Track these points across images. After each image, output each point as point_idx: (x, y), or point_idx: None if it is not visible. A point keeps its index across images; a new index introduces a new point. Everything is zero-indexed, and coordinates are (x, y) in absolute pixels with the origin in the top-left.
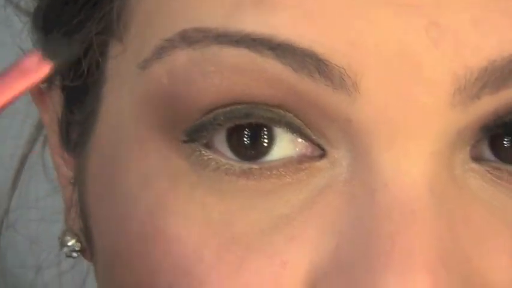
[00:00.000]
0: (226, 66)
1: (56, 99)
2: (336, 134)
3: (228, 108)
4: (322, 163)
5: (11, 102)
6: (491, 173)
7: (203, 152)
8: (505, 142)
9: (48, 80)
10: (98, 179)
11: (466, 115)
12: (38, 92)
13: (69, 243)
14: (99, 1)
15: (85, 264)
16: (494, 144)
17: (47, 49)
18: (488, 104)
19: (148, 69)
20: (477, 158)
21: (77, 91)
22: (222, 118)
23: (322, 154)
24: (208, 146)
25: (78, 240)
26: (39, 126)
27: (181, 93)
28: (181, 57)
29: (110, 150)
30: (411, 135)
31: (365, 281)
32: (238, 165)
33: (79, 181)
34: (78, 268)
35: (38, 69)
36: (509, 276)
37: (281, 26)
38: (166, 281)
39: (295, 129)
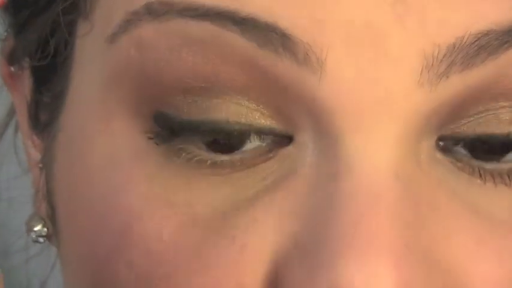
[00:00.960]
0: (193, 39)
1: (26, 81)
2: (301, 116)
3: (192, 118)
4: (289, 148)
5: None
6: (453, 164)
7: (173, 142)
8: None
9: (18, 62)
10: (64, 160)
11: (435, 95)
12: (9, 75)
13: (36, 228)
14: None
15: (53, 250)
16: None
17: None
18: (457, 84)
19: (116, 43)
20: (445, 149)
21: (45, 72)
22: (189, 130)
23: (290, 142)
24: (178, 135)
25: (45, 226)
26: (12, 111)
27: (150, 66)
28: (148, 30)
29: (76, 130)
30: (377, 116)
31: (326, 265)
32: (209, 156)
33: (46, 164)
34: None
35: None
36: (475, 263)
37: (246, 0)
38: (126, 259)
39: (264, 134)
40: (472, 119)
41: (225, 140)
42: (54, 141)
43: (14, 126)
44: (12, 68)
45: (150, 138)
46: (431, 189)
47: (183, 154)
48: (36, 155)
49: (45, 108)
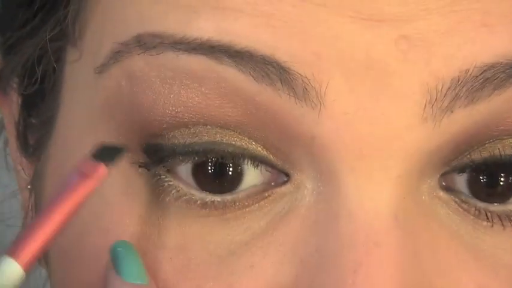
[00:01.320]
0: (184, 72)
1: (14, 101)
2: (299, 155)
3: (187, 141)
4: (286, 188)
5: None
6: (458, 204)
7: (163, 176)
8: (481, 179)
9: (6, 82)
10: (53, 187)
11: (438, 132)
12: (1, 94)
13: None
14: (54, 6)
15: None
16: (471, 181)
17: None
18: (462, 120)
19: (105, 72)
20: (447, 188)
21: (33, 96)
22: (180, 151)
23: (287, 180)
24: (169, 171)
25: None
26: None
27: (141, 98)
28: (139, 61)
29: (65, 161)
30: (378, 154)
31: None
32: (200, 196)
33: (36, 187)
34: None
35: (95, 173)
36: None
37: (241, 32)
38: None
39: (258, 161)
40: (474, 150)
41: (217, 166)
42: (45, 167)
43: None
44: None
45: (140, 166)
46: (431, 233)
47: (173, 191)
48: (26, 177)
49: (33, 131)
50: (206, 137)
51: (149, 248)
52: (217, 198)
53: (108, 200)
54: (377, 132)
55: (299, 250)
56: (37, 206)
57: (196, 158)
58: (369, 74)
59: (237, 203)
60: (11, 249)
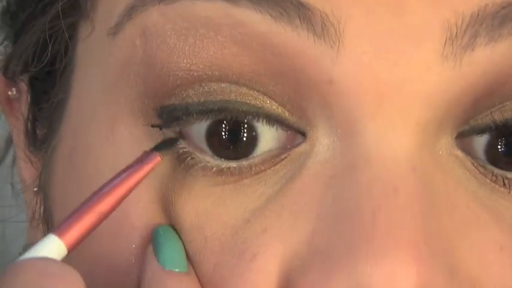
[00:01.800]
0: (200, 21)
1: (23, 98)
2: (315, 108)
3: (201, 99)
4: (301, 147)
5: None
6: (475, 167)
7: (178, 143)
8: (499, 146)
9: (13, 74)
10: (64, 170)
11: (459, 74)
12: (6, 100)
13: None
14: None
15: None
16: (489, 148)
17: None
18: (482, 61)
19: (120, 33)
20: (465, 150)
21: (43, 81)
22: (194, 109)
23: (303, 140)
24: (184, 137)
25: None
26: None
27: (153, 56)
28: (153, 15)
29: (78, 138)
30: (398, 97)
31: (342, 264)
32: (215, 163)
33: (44, 180)
34: None
35: (150, 161)
36: (497, 273)
37: None
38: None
39: (273, 120)
40: (495, 108)
41: (231, 131)
42: (53, 154)
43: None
44: (10, 93)
45: (152, 126)
46: (449, 188)
47: (188, 158)
48: (32, 175)
49: (43, 122)
50: (220, 96)
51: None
52: (233, 164)
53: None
54: (397, 73)
55: (314, 206)
56: (45, 201)
57: (210, 117)
58: (388, 11)
59: (253, 168)
60: (58, 227)
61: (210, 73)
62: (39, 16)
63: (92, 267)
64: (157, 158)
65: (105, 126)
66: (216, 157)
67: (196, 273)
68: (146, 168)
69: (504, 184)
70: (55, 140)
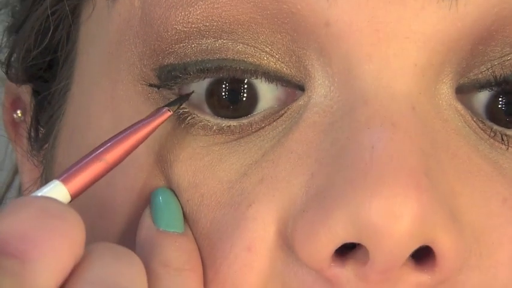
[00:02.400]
0: None
1: (27, 109)
2: (312, 57)
3: (198, 58)
4: (300, 101)
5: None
6: (475, 121)
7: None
8: (499, 104)
9: (15, 71)
10: (66, 150)
11: (454, 14)
12: (11, 123)
13: None
14: None
15: None
16: (489, 105)
17: None
18: (479, 1)
19: None
20: (465, 102)
21: (46, 80)
22: (191, 68)
23: (301, 93)
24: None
25: None
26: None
27: (153, 11)
28: None
29: (79, 117)
30: (394, 37)
31: (341, 199)
32: (215, 122)
33: (46, 174)
34: None
35: (161, 116)
36: (500, 225)
37: None
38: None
39: (272, 77)
40: (496, 62)
41: (231, 86)
42: (55, 141)
43: None
44: (14, 115)
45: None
46: (450, 136)
47: (188, 118)
48: (34, 177)
49: (45, 121)
50: (218, 55)
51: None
52: (234, 122)
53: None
54: (393, 12)
55: (313, 152)
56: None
57: (208, 75)
58: None
59: (254, 126)
60: (63, 173)
61: (207, 24)
62: (42, 1)
63: (93, 218)
64: (167, 113)
65: (105, 95)
66: (216, 116)
67: (193, 232)
68: (156, 121)
69: (503, 140)
70: (57, 129)
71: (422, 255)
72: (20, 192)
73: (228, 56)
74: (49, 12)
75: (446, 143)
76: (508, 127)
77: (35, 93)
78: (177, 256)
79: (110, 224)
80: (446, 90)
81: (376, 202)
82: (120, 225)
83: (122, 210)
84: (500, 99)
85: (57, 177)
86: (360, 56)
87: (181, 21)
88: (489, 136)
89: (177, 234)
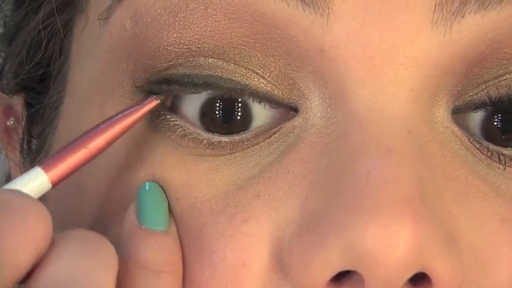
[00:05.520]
0: None
1: (20, 120)
2: (307, 80)
3: (187, 71)
4: (295, 121)
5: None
6: (471, 142)
7: (168, 116)
8: (495, 122)
9: (7, 80)
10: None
11: (449, 40)
12: (4, 131)
13: None
14: None
15: None
16: (484, 124)
17: None
18: (472, 28)
19: (111, 18)
20: (461, 126)
21: (38, 93)
22: (178, 79)
23: (295, 114)
24: (175, 111)
25: None
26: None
27: (144, 35)
28: None
29: (70, 128)
30: (389, 63)
31: (337, 225)
32: (206, 135)
33: None
34: None
35: (147, 104)
36: (499, 246)
37: None
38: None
39: (261, 97)
40: (490, 83)
41: (218, 103)
42: (49, 152)
43: None
44: (8, 123)
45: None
46: (446, 159)
47: (178, 130)
48: None
49: (38, 133)
50: (206, 71)
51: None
52: (225, 138)
53: (112, 150)
54: (387, 38)
55: (309, 173)
56: None
57: (194, 91)
58: None
59: (245, 142)
60: (45, 161)
61: (200, 45)
62: (34, 14)
63: (77, 204)
64: (154, 101)
65: (95, 111)
66: (207, 131)
67: (181, 230)
68: (143, 110)
69: (500, 160)
70: (49, 143)
71: (419, 278)
72: None
73: (216, 73)
74: (41, 26)
75: (442, 166)
76: (504, 145)
77: (27, 104)
78: (157, 257)
79: (91, 211)
80: (442, 113)
81: (371, 230)
82: (101, 215)
83: (104, 199)
84: (495, 117)
85: (39, 164)
86: (355, 81)
87: (173, 42)
88: (486, 156)
89: (160, 232)
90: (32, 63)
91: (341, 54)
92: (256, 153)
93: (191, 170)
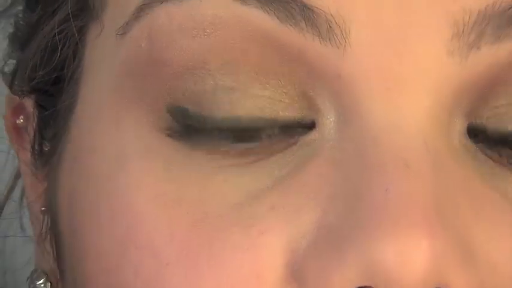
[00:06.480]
0: (207, 20)
1: (31, 119)
2: (324, 98)
3: (213, 114)
4: (311, 135)
5: None
6: (488, 155)
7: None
8: None
9: (19, 85)
10: (70, 174)
11: (465, 69)
12: (14, 128)
13: (39, 282)
14: None
15: None
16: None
17: None
18: (488, 58)
19: (127, 34)
20: (475, 139)
21: (51, 95)
22: (204, 124)
23: (311, 128)
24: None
25: (48, 280)
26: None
27: (160, 56)
28: (160, 15)
29: (83, 139)
30: (406, 89)
31: (355, 243)
32: (221, 142)
33: (51, 193)
34: None
35: None
36: None
37: None
38: (132, 264)
39: (290, 125)
40: (504, 110)
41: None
42: (60, 161)
43: None
44: (17, 121)
45: (168, 136)
46: (463, 175)
47: (204, 147)
48: (38, 192)
49: (49, 136)
50: (235, 111)
51: (166, 204)
52: (239, 145)
53: (124, 164)
54: (404, 68)
55: (324, 187)
56: (52, 216)
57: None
58: (394, 6)
59: (260, 151)
60: None
61: (221, 63)
62: (49, 19)
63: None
64: None
65: (109, 124)
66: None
67: (191, 244)
68: None
69: None
70: (61, 147)
71: None
72: (23, 197)
73: (245, 113)
74: (56, 31)
75: (459, 180)
76: None
77: (39, 106)
78: None
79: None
80: (457, 130)
81: (390, 248)
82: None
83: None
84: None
85: None
86: (372, 102)
87: (192, 66)
88: (506, 165)
89: None
90: (47, 69)
91: (357, 80)
92: (270, 164)
93: (205, 186)
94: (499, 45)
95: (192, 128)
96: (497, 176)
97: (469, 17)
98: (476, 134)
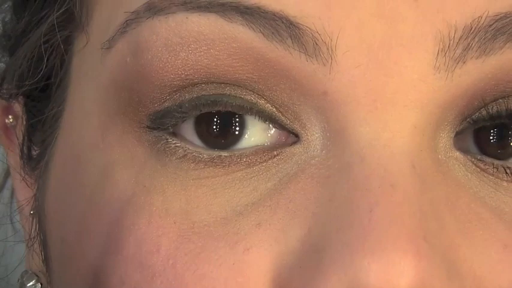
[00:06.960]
0: (193, 36)
1: (19, 123)
2: (309, 114)
3: (194, 95)
4: (295, 148)
5: None
6: (475, 164)
7: (169, 139)
8: (491, 137)
9: (8, 90)
10: (57, 183)
11: (451, 83)
12: (3, 128)
13: (29, 284)
14: None
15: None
16: (480, 139)
17: None
18: (474, 72)
19: (112, 48)
20: (462, 149)
21: (39, 101)
22: (187, 105)
23: (296, 140)
24: (175, 134)
25: (38, 281)
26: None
27: (145, 70)
28: (145, 30)
29: (70, 149)
30: (392, 105)
31: (339, 261)
32: (206, 152)
33: (39, 199)
34: None
35: None
36: (501, 273)
37: None
38: (118, 275)
39: (266, 117)
40: (491, 105)
41: (221, 124)
42: (47, 169)
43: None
44: (7, 120)
45: (146, 147)
46: (450, 191)
47: (179, 151)
48: (28, 196)
49: (37, 142)
50: (214, 90)
51: (153, 215)
52: (224, 153)
53: (110, 175)
54: (390, 84)
55: (310, 205)
56: (40, 221)
57: (203, 109)
58: (380, 22)
59: (244, 159)
60: None
61: (205, 79)
62: (35, 28)
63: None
64: None
65: (95, 134)
66: (207, 148)
67: (177, 254)
68: None
69: (506, 173)
70: (49, 154)
71: None
72: (12, 197)
73: (225, 92)
74: (41, 41)
75: (445, 197)
76: (505, 158)
77: (28, 111)
78: None
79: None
80: (444, 143)
81: (374, 269)
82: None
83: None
84: (491, 132)
85: None
86: (357, 119)
87: (178, 79)
88: (492, 175)
89: None
90: (34, 78)
91: (344, 98)
92: (254, 176)
93: (190, 197)
94: (485, 59)
95: (169, 115)
96: (485, 185)
97: (455, 32)
98: (462, 143)
